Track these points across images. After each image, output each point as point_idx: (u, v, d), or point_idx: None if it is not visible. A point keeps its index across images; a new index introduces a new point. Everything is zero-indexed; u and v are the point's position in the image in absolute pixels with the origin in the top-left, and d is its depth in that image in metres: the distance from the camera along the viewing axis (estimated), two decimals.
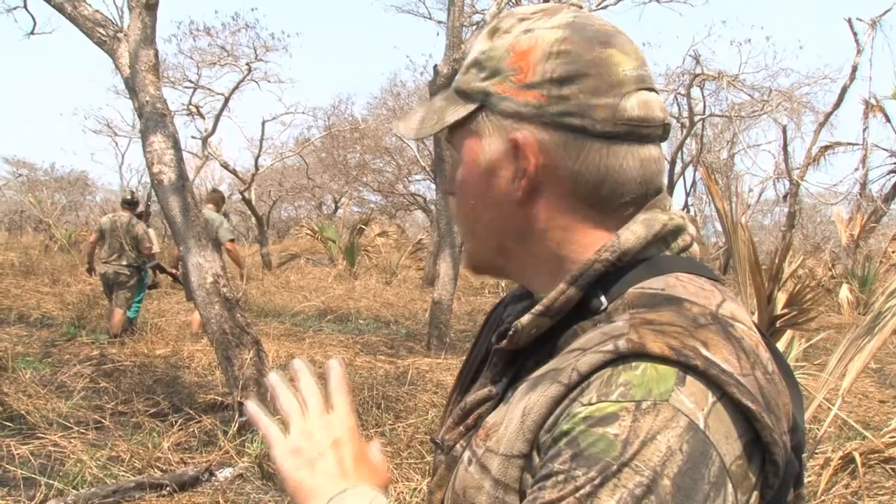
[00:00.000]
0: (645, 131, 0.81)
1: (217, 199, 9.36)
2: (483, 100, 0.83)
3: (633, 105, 0.79)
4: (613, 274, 0.80)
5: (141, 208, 9.78)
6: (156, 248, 9.49)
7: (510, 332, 0.82)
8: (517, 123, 0.81)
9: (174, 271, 9.49)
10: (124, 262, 8.58)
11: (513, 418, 0.75)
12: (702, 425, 0.67)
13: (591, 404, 0.68)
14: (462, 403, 0.87)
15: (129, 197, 9.49)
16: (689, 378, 0.68)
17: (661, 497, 0.64)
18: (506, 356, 0.85)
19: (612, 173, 0.80)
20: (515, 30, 0.82)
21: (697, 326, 0.72)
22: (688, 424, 0.66)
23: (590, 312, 0.79)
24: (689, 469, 0.65)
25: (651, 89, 0.82)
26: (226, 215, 9.72)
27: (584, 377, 0.71)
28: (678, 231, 0.85)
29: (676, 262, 0.83)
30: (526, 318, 0.80)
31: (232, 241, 8.91)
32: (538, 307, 0.80)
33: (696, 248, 0.86)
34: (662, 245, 0.83)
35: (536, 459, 0.72)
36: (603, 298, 0.79)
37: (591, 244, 0.83)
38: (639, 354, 0.69)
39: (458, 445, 0.85)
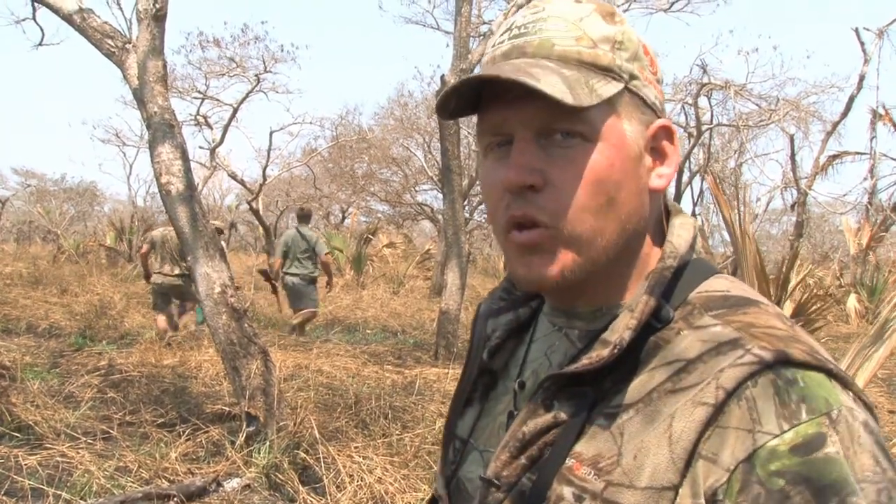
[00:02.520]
0: None
1: (308, 214, 10.27)
2: (628, 81, 0.79)
3: None
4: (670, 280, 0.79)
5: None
6: None
7: (612, 351, 0.74)
8: (651, 115, 0.81)
9: (274, 282, 10.22)
10: (176, 272, 9.00)
11: (646, 447, 0.71)
12: (865, 416, 0.69)
13: (784, 432, 0.65)
14: (518, 434, 0.79)
15: None
16: (832, 379, 0.69)
17: None
18: (561, 380, 0.78)
19: None
20: (626, 21, 0.81)
21: (793, 327, 0.74)
22: (863, 420, 0.68)
23: (658, 322, 0.76)
24: (886, 453, 0.67)
25: None
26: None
27: (731, 393, 0.68)
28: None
29: (707, 263, 0.84)
30: (628, 335, 0.74)
31: (328, 254, 10.06)
32: (632, 321, 0.75)
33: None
34: (692, 248, 0.83)
35: (685, 490, 0.68)
36: (668, 306, 0.78)
37: (653, 251, 0.84)
38: (783, 362, 0.68)
39: (524, 479, 0.78)
